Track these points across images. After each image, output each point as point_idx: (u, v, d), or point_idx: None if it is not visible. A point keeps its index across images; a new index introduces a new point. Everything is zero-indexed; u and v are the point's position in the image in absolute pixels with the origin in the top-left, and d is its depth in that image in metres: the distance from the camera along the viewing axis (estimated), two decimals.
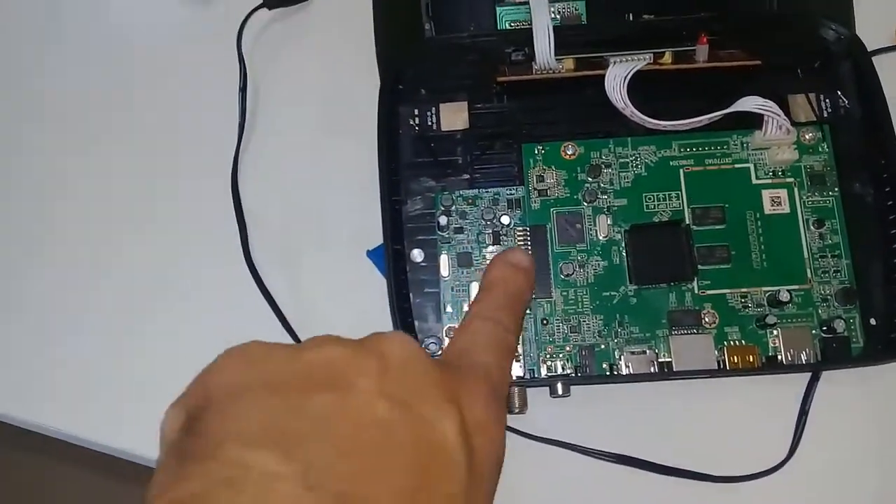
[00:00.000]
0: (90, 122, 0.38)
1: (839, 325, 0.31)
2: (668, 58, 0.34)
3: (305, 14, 0.39)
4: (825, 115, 0.35)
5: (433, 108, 0.35)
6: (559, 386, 0.30)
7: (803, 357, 0.31)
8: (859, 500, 0.30)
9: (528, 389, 0.31)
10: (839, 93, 0.35)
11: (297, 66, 0.38)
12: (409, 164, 0.34)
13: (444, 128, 0.34)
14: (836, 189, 0.33)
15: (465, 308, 0.32)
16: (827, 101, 0.35)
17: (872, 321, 0.32)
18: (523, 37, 0.34)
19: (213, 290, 0.34)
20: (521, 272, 0.24)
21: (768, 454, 0.30)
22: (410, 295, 0.32)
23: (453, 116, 0.34)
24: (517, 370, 0.31)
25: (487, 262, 0.32)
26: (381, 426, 0.17)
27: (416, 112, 0.35)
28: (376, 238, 0.33)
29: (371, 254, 0.34)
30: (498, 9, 0.35)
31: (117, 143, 0.37)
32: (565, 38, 0.33)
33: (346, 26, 0.37)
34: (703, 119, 0.33)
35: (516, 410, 0.30)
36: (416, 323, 0.32)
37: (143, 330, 0.34)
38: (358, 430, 0.17)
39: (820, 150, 0.34)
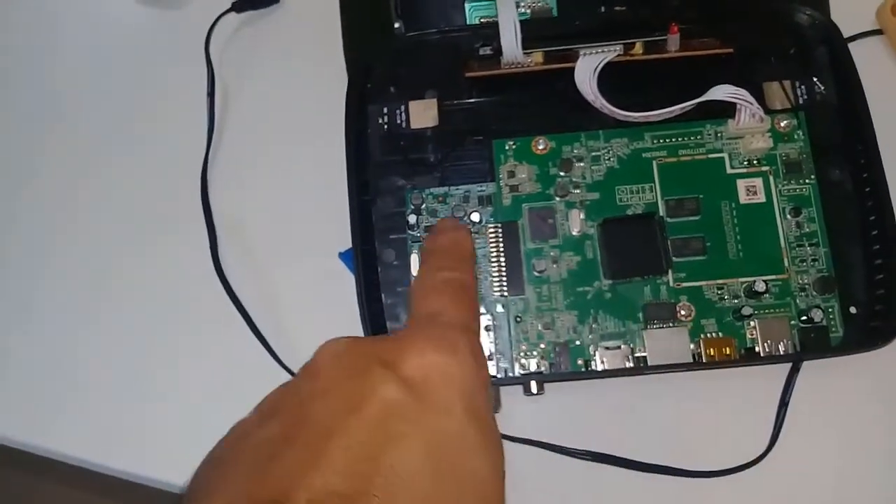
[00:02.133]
0: (57, 127, 0.38)
1: (817, 315, 0.31)
2: (638, 48, 0.34)
3: (274, 17, 0.39)
4: (801, 101, 0.35)
5: (402, 106, 0.35)
6: (533, 384, 0.30)
7: (781, 348, 0.31)
8: (840, 491, 0.30)
9: (501, 389, 0.31)
10: (815, 79, 0.35)
11: (267, 70, 0.38)
12: (379, 164, 0.34)
13: (413, 125, 0.34)
14: (813, 177, 0.33)
15: None
16: (802, 87, 0.35)
17: (852, 310, 0.32)
18: (491, 31, 0.34)
19: (182, 297, 0.34)
20: (458, 230, 0.26)
21: (748, 447, 0.30)
22: (383, 295, 0.32)
23: (423, 114, 0.34)
24: (491, 370, 0.31)
25: None
26: (322, 420, 0.18)
27: (385, 110, 0.35)
28: (347, 239, 0.33)
29: (343, 255, 0.34)
30: (467, 5, 0.35)
31: (84, 150, 0.37)
32: (533, 31, 0.33)
33: (316, 29, 0.37)
34: (675, 109, 0.33)
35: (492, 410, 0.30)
36: (389, 324, 0.32)
37: (106, 340, 0.34)
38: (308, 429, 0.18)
39: (795, 137, 0.34)
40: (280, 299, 0.34)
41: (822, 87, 0.35)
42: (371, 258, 0.33)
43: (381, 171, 0.34)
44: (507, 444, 0.30)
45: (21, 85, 0.39)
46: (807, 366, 0.31)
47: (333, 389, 0.19)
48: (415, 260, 0.33)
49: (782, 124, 0.34)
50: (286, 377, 0.32)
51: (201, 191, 0.35)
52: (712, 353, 0.31)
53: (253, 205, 0.36)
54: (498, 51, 0.34)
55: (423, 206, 0.33)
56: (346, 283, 0.34)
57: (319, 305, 0.34)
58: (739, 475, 0.30)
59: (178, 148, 0.36)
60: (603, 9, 0.35)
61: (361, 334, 0.31)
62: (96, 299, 0.35)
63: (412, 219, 0.33)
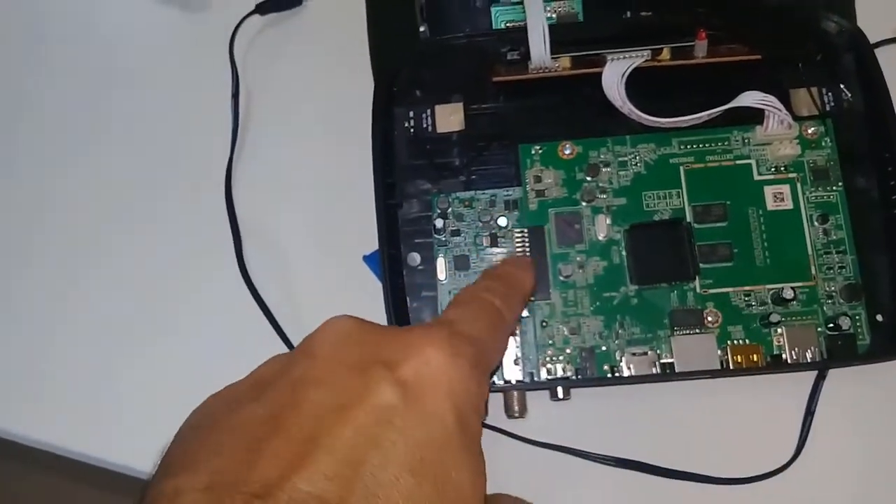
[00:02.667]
0: (83, 129, 0.38)
1: (845, 323, 0.31)
2: (666, 54, 0.34)
3: (298, 19, 0.39)
4: (828, 108, 0.35)
5: (428, 110, 0.35)
6: (559, 389, 0.30)
7: (808, 355, 0.31)
8: (867, 499, 0.30)
9: (527, 393, 0.31)
10: (842, 86, 0.35)
11: (291, 72, 0.38)
12: (405, 167, 0.34)
13: (439, 129, 0.34)
14: (840, 184, 0.33)
15: None
16: (829, 94, 0.35)
17: (879, 317, 0.32)
18: (518, 36, 0.34)
19: (207, 299, 0.35)
20: (525, 269, 0.26)
21: (774, 455, 0.30)
22: (408, 299, 0.33)
23: (449, 118, 0.35)
24: (517, 374, 0.31)
25: (485, 264, 0.33)
26: (313, 412, 0.19)
27: (412, 114, 0.35)
28: (373, 243, 0.33)
29: (368, 259, 0.34)
30: (493, 9, 0.36)
31: (110, 152, 0.37)
32: (561, 36, 0.33)
33: (340, 30, 0.38)
34: (703, 115, 0.33)
35: (516, 415, 0.30)
36: None
37: (137, 340, 0.34)
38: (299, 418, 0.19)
39: (823, 144, 0.34)
40: (305, 302, 0.34)
41: (850, 94, 0.35)
42: (397, 262, 0.33)
43: (407, 175, 0.34)
44: (532, 448, 0.31)
45: (44, 88, 0.39)
46: (833, 373, 0.31)
47: (328, 380, 0.19)
48: (441, 264, 0.33)
49: (810, 131, 0.34)
50: None
51: (225, 193, 0.36)
52: (739, 360, 0.31)
53: (277, 207, 0.36)
54: (525, 56, 0.34)
55: (450, 210, 0.33)
56: (370, 286, 0.34)
57: (344, 308, 0.33)
58: (765, 483, 0.30)
59: (203, 150, 0.37)
60: (629, 14, 0.36)
61: None
62: (122, 302, 0.35)
63: (439, 223, 0.33)
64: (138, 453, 0.32)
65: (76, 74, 0.39)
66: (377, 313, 0.32)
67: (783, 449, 0.30)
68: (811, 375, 0.32)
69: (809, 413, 0.31)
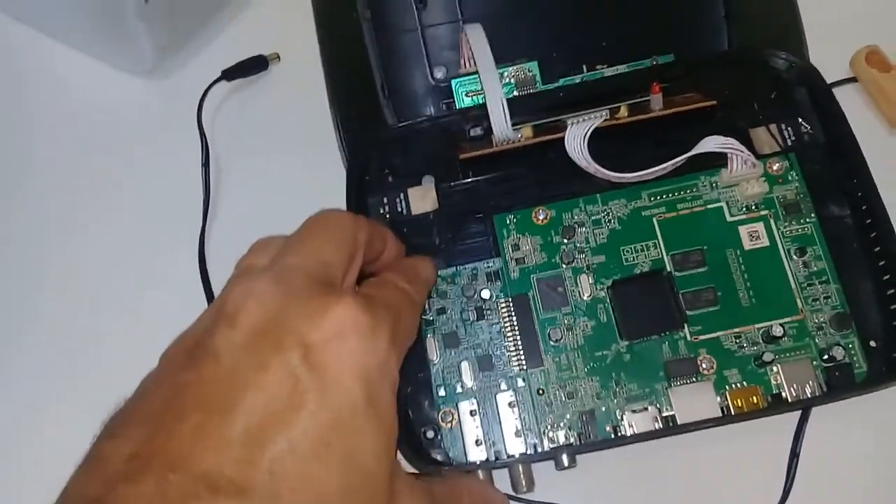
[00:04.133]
0: (53, 202, 0.39)
1: (839, 353, 0.31)
2: (623, 111, 0.35)
3: (265, 83, 0.41)
4: (789, 143, 0.36)
5: (402, 194, 0.36)
6: (564, 457, 0.30)
7: (808, 390, 0.31)
8: None
9: (533, 466, 0.31)
10: (800, 120, 0.36)
11: (260, 137, 0.39)
12: None
13: (414, 211, 0.36)
14: (813, 215, 0.34)
15: (458, 389, 0.32)
16: (789, 129, 0.36)
17: (872, 343, 0.32)
18: (480, 113, 0.35)
19: None
20: (423, 260, 0.31)
21: (762, 499, 0.30)
22: (400, 383, 0.33)
23: (422, 199, 0.36)
24: (520, 447, 0.31)
25: (474, 338, 0.33)
26: (229, 385, 0.20)
27: (385, 200, 0.36)
28: None
29: None
30: (453, 81, 0.37)
31: (82, 226, 0.38)
32: (520, 107, 0.35)
33: (308, 93, 0.39)
34: (668, 165, 0.34)
35: (524, 489, 0.30)
36: (411, 412, 0.32)
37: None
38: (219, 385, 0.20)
39: (790, 178, 0.35)
40: None
41: (809, 127, 0.36)
42: None
43: None
44: None
45: (9, 160, 0.40)
46: (816, 412, 0.32)
47: (246, 349, 0.21)
48: (431, 344, 0.33)
49: (775, 167, 0.35)
50: None
51: (199, 263, 0.36)
52: (740, 404, 0.31)
53: None
54: (488, 130, 0.35)
55: (434, 288, 0.34)
56: None
57: None
58: None
59: (175, 220, 0.37)
60: (585, 68, 0.37)
61: None
62: (102, 383, 0.35)
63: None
64: None
65: (45, 147, 0.40)
66: None
67: (771, 493, 0.30)
68: (795, 414, 0.32)
69: (794, 456, 0.31)
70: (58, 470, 0.20)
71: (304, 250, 0.24)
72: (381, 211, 0.36)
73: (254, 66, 0.40)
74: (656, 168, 0.34)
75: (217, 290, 0.35)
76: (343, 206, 0.35)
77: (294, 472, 0.19)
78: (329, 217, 0.26)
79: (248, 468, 0.19)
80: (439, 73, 0.37)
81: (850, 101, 0.38)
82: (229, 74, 0.40)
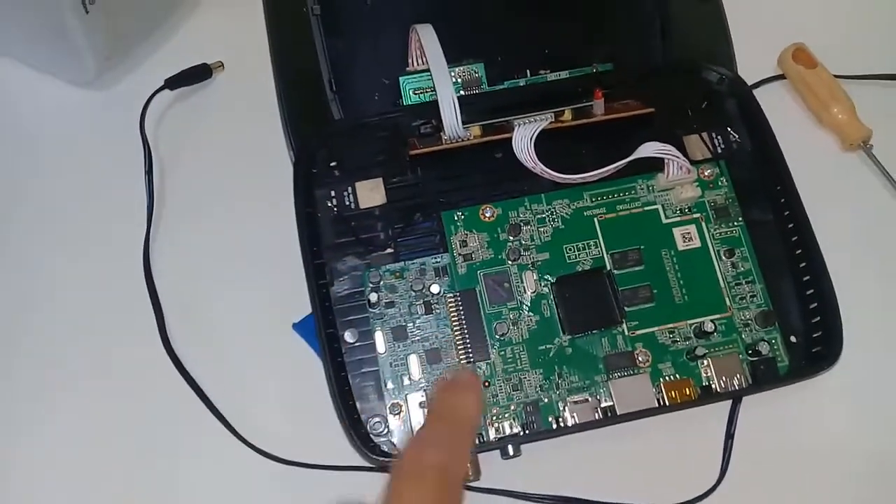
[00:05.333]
0: (0, 216, 0.38)
1: (764, 348, 0.34)
2: (568, 115, 0.37)
3: (208, 92, 0.41)
4: (719, 151, 0.39)
5: (349, 188, 0.36)
6: (509, 447, 0.32)
7: (735, 383, 0.34)
8: None
9: (479, 455, 0.32)
10: (729, 129, 0.39)
11: (205, 144, 0.39)
12: (332, 246, 0.36)
13: (362, 205, 0.36)
14: (741, 219, 0.37)
15: (406, 381, 0.33)
16: (719, 137, 0.39)
17: (793, 339, 0.35)
18: (429, 110, 0.36)
19: (132, 379, 0.35)
20: (468, 390, 0.23)
21: (702, 480, 0.33)
22: (349, 377, 0.34)
23: (370, 193, 0.37)
24: None
25: (422, 332, 0.34)
26: None
27: (333, 193, 0.36)
28: (299, 309, 0.35)
29: (297, 326, 0.36)
30: (401, 78, 0.38)
31: (25, 235, 0.37)
32: (467, 107, 0.36)
33: (250, 101, 0.39)
34: (610, 169, 0.36)
35: (471, 479, 0.32)
36: (358, 404, 0.33)
37: (68, 426, 0.34)
38: None
39: (720, 184, 0.37)
40: (238, 376, 0.35)
41: (737, 136, 0.39)
42: (334, 340, 0.34)
43: (335, 254, 0.35)
44: (480, 496, 0.32)
45: None
46: (752, 398, 0.34)
47: None
48: (379, 337, 0.34)
49: (706, 173, 0.37)
50: (250, 455, 0.33)
51: (144, 270, 0.36)
52: (674, 395, 0.33)
53: (199, 280, 0.37)
54: (438, 128, 0.36)
55: (381, 283, 0.35)
56: (303, 353, 0.35)
57: (279, 379, 0.35)
58: None
59: (118, 229, 0.37)
60: (528, 72, 0.39)
61: (331, 412, 0.32)
62: (42, 395, 0.34)
63: (373, 297, 0.34)
64: None
65: None
66: (313, 383, 0.34)
67: (709, 473, 0.33)
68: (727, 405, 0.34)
69: (729, 437, 0.34)
70: None
71: (460, 457, 0.23)
72: (329, 204, 0.36)
73: (197, 74, 0.40)
74: (598, 171, 0.36)
75: (162, 294, 0.36)
76: (291, 200, 0.35)
77: None
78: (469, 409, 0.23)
79: None
80: (386, 71, 0.38)
81: (779, 98, 0.41)
82: (172, 83, 0.40)
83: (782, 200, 0.37)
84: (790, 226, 0.36)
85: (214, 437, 0.33)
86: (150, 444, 0.34)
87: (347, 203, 0.36)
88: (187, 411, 0.34)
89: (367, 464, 0.33)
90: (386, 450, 0.32)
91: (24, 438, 0.34)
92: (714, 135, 0.39)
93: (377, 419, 0.33)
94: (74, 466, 0.33)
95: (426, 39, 0.36)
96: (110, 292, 0.36)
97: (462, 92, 0.38)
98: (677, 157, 0.36)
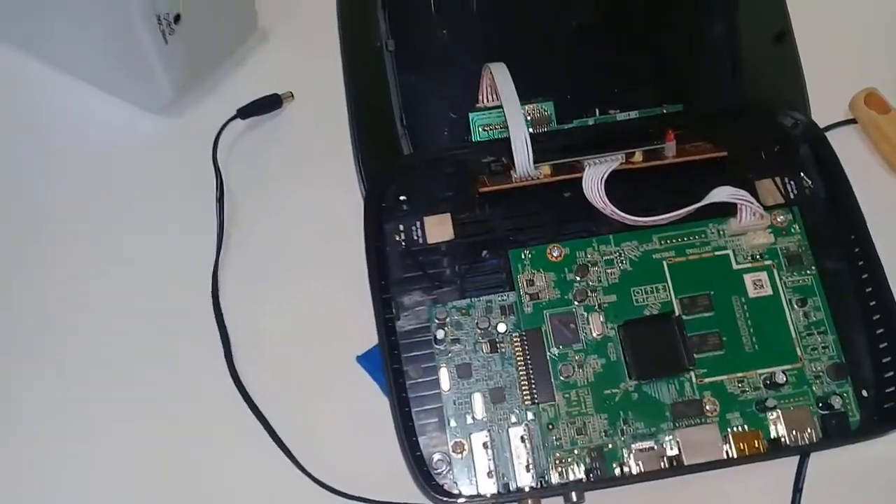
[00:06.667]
0: (65, 240, 0.39)
1: (836, 402, 0.34)
2: (639, 156, 0.38)
3: (277, 122, 0.42)
4: (792, 196, 0.39)
5: (417, 222, 0.38)
6: (573, 494, 0.32)
7: (805, 437, 0.34)
8: None
9: (542, 501, 0.33)
10: (802, 174, 0.39)
11: (274, 174, 0.41)
12: (399, 280, 0.37)
13: (430, 240, 0.37)
14: (813, 267, 0.37)
15: (469, 420, 0.34)
16: (792, 183, 0.39)
17: (864, 393, 0.35)
18: (499, 147, 0.37)
19: (198, 407, 0.36)
20: None
21: None
22: (412, 413, 0.35)
23: (438, 228, 0.38)
24: (529, 481, 0.33)
25: (486, 370, 0.35)
26: None
27: (401, 227, 0.38)
28: (363, 342, 0.36)
29: (361, 359, 0.37)
30: (471, 114, 0.39)
31: (92, 263, 0.39)
32: (540, 144, 0.37)
33: (320, 132, 0.41)
34: (681, 213, 0.37)
35: None
36: (421, 440, 0.34)
37: (130, 452, 0.35)
38: None
39: (792, 231, 0.38)
40: (301, 406, 0.36)
41: (810, 181, 0.39)
42: (399, 376, 0.35)
43: (401, 288, 0.36)
44: None
45: (25, 195, 0.41)
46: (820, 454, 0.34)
47: None
48: (444, 374, 0.35)
49: (779, 219, 0.38)
50: (310, 486, 0.34)
51: (212, 297, 0.37)
52: (742, 448, 0.34)
53: (265, 309, 0.38)
54: (508, 166, 0.37)
55: (447, 319, 0.36)
56: (366, 386, 0.36)
57: (341, 412, 0.36)
58: None
59: (188, 256, 0.39)
60: (598, 111, 0.40)
61: (392, 447, 0.33)
62: (110, 416, 0.36)
63: (439, 334, 0.35)
64: None
65: (61, 182, 0.41)
66: (376, 417, 0.35)
67: None
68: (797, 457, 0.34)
69: (797, 492, 0.34)
70: None
71: None
72: (397, 238, 0.37)
73: (268, 104, 0.42)
74: (670, 214, 0.37)
75: (229, 321, 0.37)
76: (360, 234, 0.36)
77: None
78: None
79: None
80: (456, 106, 0.39)
81: (850, 142, 0.41)
82: (244, 113, 0.41)
83: (856, 250, 0.37)
84: (864, 276, 0.36)
85: (276, 466, 0.35)
86: (211, 470, 0.35)
87: (415, 238, 0.37)
88: (250, 439, 0.35)
89: (428, 502, 0.33)
90: (447, 489, 0.33)
91: (89, 461, 0.35)
92: (787, 180, 0.39)
93: (439, 457, 0.34)
94: (135, 491, 0.35)
95: (499, 77, 0.37)
96: (179, 318, 0.38)
97: (531, 130, 0.39)
98: (751, 202, 0.37)
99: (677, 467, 0.33)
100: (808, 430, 0.34)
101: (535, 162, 0.37)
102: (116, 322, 0.38)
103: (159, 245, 0.39)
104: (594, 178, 0.37)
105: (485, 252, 0.37)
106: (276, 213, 0.40)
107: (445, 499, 0.32)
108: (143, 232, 0.40)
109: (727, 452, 0.34)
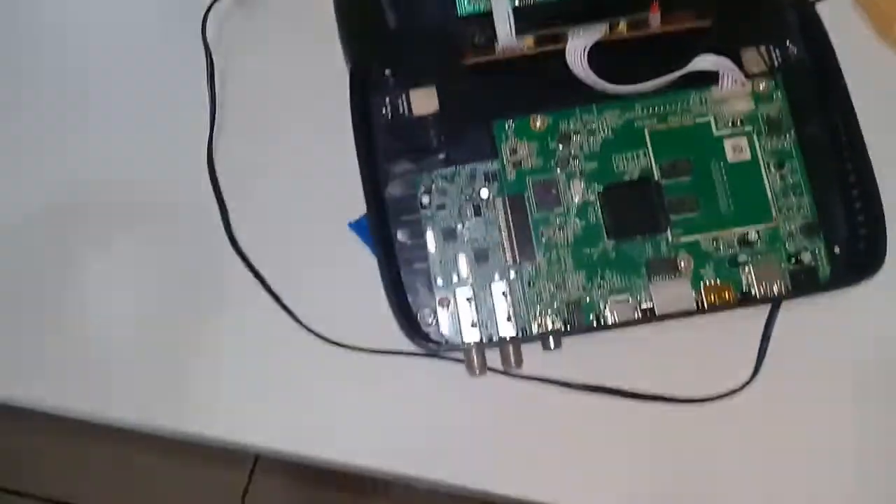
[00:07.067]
0: (57, 115, 0.41)
1: (806, 257, 0.36)
2: (623, 27, 0.39)
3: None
4: (776, 64, 0.40)
5: (403, 95, 0.39)
6: (551, 340, 0.35)
7: (775, 289, 0.36)
8: (816, 416, 0.35)
9: (522, 345, 0.35)
10: (787, 42, 0.40)
11: (263, 51, 0.42)
12: (386, 151, 0.38)
13: (416, 113, 0.39)
14: (792, 132, 0.38)
15: (455, 279, 0.36)
16: (777, 51, 0.40)
17: (836, 250, 0.37)
18: (484, 20, 0.38)
19: (198, 272, 0.38)
20: None
21: (734, 378, 0.35)
22: (401, 273, 0.37)
23: (423, 101, 0.39)
24: (511, 331, 0.36)
25: (471, 233, 0.37)
26: None
27: (388, 101, 0.39)
28: (356, 210, 0.38)
29: (353, 225, 0.39)
30: None
31: (85, 138, 0.41)
32: (523, 17, 0.38)
33: (307, 9, 0.42)
34: (663, 80, 0.38)
35: (513, 366, 0.35)
36: (409, 297, 0.36)
37: (129, 316, 0.38)
38: None
39: (774, 97, 0.39)
40: (294, 266, 0.38)
41: (795, 49, 0.40)
42: (388, 239, 0.37)
43: (389, 158, 0.38)
44: (521, 383, 0.35)
45: (11, 73, 0.42)
46: (787, 304, 0.36)
47: None
48: (430, 237, 0.37)
49: (761, 87, 0.39)
50: (309, 338, 0.37)
51: (208, 167, 0.39)
52: (713, 299, 0.36)
53: (259, 183, 0.40)
54: (492, 39, 0.38)
55: (433, 186, 0.38)
56: (358, 251, 0.38)
57: (337, 275, 0.38)
58: (724, 401, 0.35)
59: (183, 130, 0.40)
60: None
61: (382, 304, 0.36)
62: (111, 286, 0.39)
63: (425, 199, 0.37)
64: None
65: (48, 61, 0.42)
66: (366, 277, 0.37)
67: (742, 373, 0.35)
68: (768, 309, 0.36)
69: (765, 339, 0.36)
70: None
71: None
72: (384, 111, 0.39)
73: None
74: (652, 82, 0.38)
75: (226, 191, 0.39)
76: (347, 107, 0.38)
77: None
78: None
79: None
80: None
81: (840, 10, 0.41)
82: None
83: (836, 115, 0.38)
84: (843, 140, 0.37)
85: (274, 321, 0.37)
86: (212, 326, 0.38)
87: (401, 111, 0.39)
88: (251, 301, 0.38)
89: (415, 349, 0.36)
90: (433, 339, 0.36)
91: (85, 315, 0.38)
92: (772, 48, 0.40)
93: (427, 310, 0.36)
94: (142, 342, 0.38)
95: None
96: (178, 188, 0.40)
97: (516, 3, 0.40)
98: (733, 69, 0.38)
99: (650, 317, 0.35)
100: (778, 282, 0.36)
101: (517, 33, 0.38)
102: (112, 198, 0.40)
103: (150, 125, 0.41)
104: (577, 48, 0.38)
105: (469, 123, 0.38)
106: (266, 90, 0.41)
107: (431, 344, 0.35)
108: (134, 115, 0.41)
109: (698, 303, 0.35)
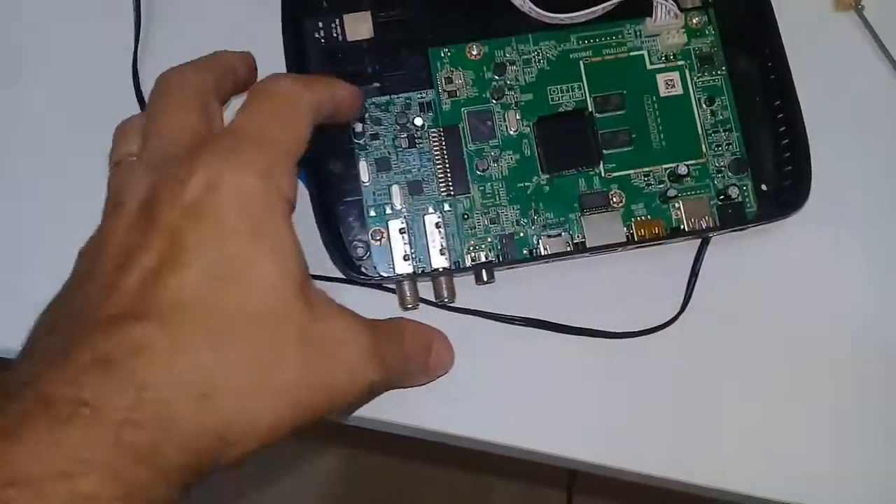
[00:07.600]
0: None
1: (733, 192, 0.37)
2: None
3: None
4: None
5: (337, 20, 0.38)
6: (483, 272, 0.35)
7: (703, 224, 0.37)
8: (743, 350, 0.37)
9: (455, 280, 0.35)
10: None
11: None
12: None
13: (349, 38, 0.38)
14: (724, 68, 0.39)
15: (388, 210, 0.36)
16: None
17: (763, 187, 0.38)
18: None
19: None
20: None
21: (662, 313, 0.36)
22: (334, 205, 0.36)
23: (358, 26, 0.38)
24: (444, 263, 0.36)
25: (405, 164, 0.37)
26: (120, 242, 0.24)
27: (321, 24, 0.38)
28: None
29: None
30: None
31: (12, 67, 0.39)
32: None
33: None
34: (598, 9, 0.38)
35: (445, 300, 0.35)
36: (342, 230, 0.36)
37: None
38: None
39: (706, 32, 0.39)
40: None
41: None
42: (319, 169, 0.36)
43: None
44: (454, 316, 0.36)
45: None
46: (717, 241, 0.37)
47: (130, 228, 0.24)
48: (363, 167, 0.36)
49: (694, 21, 0.39)
50: None
51: (134, 85, 0.38)
52: (643, 234, 0.36)
53: None
54: None
55: (367, 115, 0.37)
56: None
57: None
58: (653, 336, 0.36)
59: (105, 46, 0.38)
60: None
61: (317, 239, 0.35)
62: (35, 219, 0.37)
63: (358, 128, 0.37)
64: None
65: None
66: (302, 213, 0.35)
67: (671, 307, 0.36)
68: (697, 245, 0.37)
69: (693, 274, 0.37)
70: None
71: (160, 128, 0.27)
72: (317, 35, 0.38)
73: None
74: (587, 10, 0.38)
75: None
76: (279, 29, 0.36)
77: (194, 302, 0.23)
78: (170, 78, 0.28)
79: (148, 303, 0.22)
80: None
81: None
82: None
83: (766, 52, 0.38)
84: (772, 77, 0.38)
85: None
86: None
87: (335, 35, 0.38)
88: None
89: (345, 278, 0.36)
90: (366, 272, 0.35)
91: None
92: None
93: (360, 244, 0.36)
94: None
95: None
96: (99, 104, 0.37)
97: None
98: (666, 1, 0.38)
99: (581, 249, 0.36)
100: (706, 217, 0.37)
101: None
102: (35, 129, 0.38)
103: (73, 39, 0.39)
104: None
105: (403, 50, 0.38)
106: (197, 4, 0.39)
107: (362, 277, 0.35)
108: (52, 29, 0.39)
109: (629, 237, 0.36)
